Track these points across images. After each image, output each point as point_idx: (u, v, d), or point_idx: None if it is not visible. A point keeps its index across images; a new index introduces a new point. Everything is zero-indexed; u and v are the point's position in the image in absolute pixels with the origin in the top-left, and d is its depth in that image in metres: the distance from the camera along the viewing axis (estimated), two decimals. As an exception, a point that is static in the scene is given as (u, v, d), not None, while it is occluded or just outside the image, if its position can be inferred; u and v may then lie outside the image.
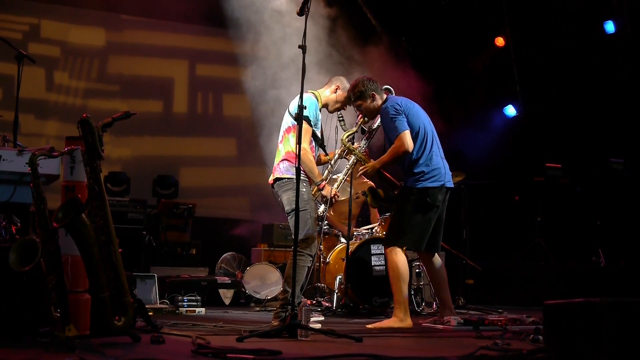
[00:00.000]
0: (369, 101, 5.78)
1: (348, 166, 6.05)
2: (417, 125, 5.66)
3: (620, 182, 9.71)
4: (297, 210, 4.82)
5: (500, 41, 10.72)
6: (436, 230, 5.77)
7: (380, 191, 6.06)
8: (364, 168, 5.82)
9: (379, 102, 5.80)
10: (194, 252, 8.92)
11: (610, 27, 9.92)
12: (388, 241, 5.71)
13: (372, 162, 5.79)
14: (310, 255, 5.45)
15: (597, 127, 9.88)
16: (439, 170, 5.69)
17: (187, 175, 10.40)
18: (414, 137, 5.60)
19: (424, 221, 5.66)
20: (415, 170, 5.64)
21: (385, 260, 6.85)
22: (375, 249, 7.09)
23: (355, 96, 5.78)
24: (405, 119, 5.59)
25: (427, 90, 9.25)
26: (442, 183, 5.68)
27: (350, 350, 3.71)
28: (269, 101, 8.61)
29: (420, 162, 5.65)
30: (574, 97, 10.02)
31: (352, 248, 7.00)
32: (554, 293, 7.53)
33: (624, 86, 9.70)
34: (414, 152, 5.60)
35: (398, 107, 5.63)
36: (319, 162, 5.95)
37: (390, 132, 5.62)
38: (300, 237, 5.29)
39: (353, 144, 5.94)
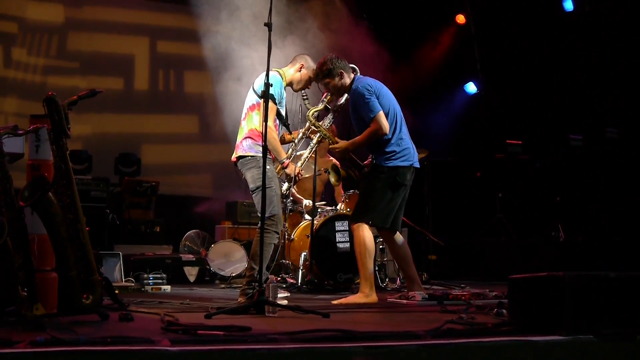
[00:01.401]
0: (336, 79, 5.78)
1: (312, 144, 6.06)
2: (387, 107, 5.67)
3: (578, 158, 9.89)
4: (263, 187, 4.84)
5: (461, 18, 10.79)
6: (399, 209, 5.82)
7: (342, 170, 6.07)
8: (334, 148, 5.82)
9: (347, 80, 5.80)
10: (157, 229, 8.88)
11: (569, 4, 10.05)
12: (355, 217, 5.74)
13: (344, 143, 5.78)
14: (277, 233, 5.45)
15: (556, 104, 10.02)
16: (409, 150, 5.74)
17: (149, 152, 10.32)
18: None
19: (392, 199, 5.70)
20: (387, 150, 5.66)
21: (350, 236, 6.95)
22: (339, 225, 7.13)
23: (323, 74, 5.77)
24: (377, 100, 5.62)
25: (387, 64, 9.26)
26: (411, 163, 5.73)
27: (318, 325, 3.74)
28: (231, 77, 8.54)
29: (392, 142, 5.67)
30: (534, 74, 10.13)
31: (316, 225, 7.03)
32: (515, 268, 7.63)
33: (582, 63, 9.82)
34: None
35: (370, 89, 5.63)
36: (283, 141, 5.93)
37: (364, 112, 5.62)
38: (266, 214, 5.29)
39: (319, 121, 5.94)
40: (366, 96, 5.60)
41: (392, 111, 5.72)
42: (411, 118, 6.00)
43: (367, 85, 5.67)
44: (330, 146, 5.89)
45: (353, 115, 5.80)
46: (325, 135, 5.87)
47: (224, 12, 8.30)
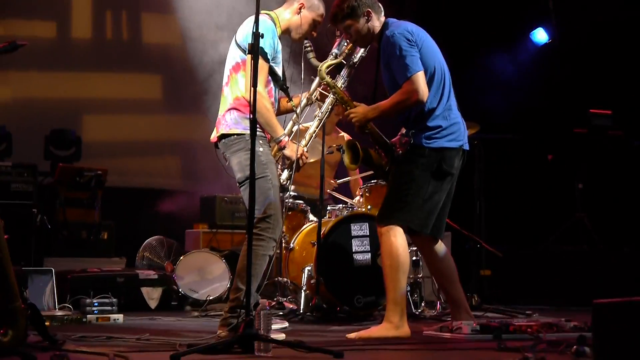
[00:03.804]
0: (362, 21, 5.76)
1: (322, 113, 6.02)
2: (432, 65, 5.67)
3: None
4: (252, 177, 4.84)
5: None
6: (443, 208, 5.81)
7: (360, 148, 6.00)
8: (349, 113, 5.79)
9: (376, 23, 5.79)
10: (105, 236, 8.91)
11: None
12: (384, 217, 5.73)
13: (363, 108, 5.77)
14: (274, 240, 5.45)
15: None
16: (459, 126, 5.74)
17: (92, 127, 10.35)
18: (428, 81, 5.60)
19: (435, 193, 5.69)
20: (430, 124, 5.65)
21: (372, 244, 6.98)
22: (356, 229, 7.17)
23: (344, 14, 5.76)
24: (419, 55, 5.60)
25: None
26: (461, 144, 5.73)
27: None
28: (207, 24, 8.56)
29: (437, 113, 5.66)
30: (629, 17, 10.08)
31: (325, 229, 7.05)
32: (602, 288, 7.67)
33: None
34: (428, 101, 5.61)
35: (411, 38, 5.60)
36: (279, 112, 5.95)
37: (398, 69, 5.59)
38: (259, 214, 5.31)
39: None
40: (404, 48, 5.58)
41: (440, 71, 5.71)
42: (453, 77, 5.96)
43: (406, 32, 5.64)
44: (346, 112, 5.85)
45: (385, 74, 5.80)
46: (341, 98, 5.85)
47: None
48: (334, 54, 5.96)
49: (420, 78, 5.55)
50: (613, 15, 10.14)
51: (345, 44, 5.94)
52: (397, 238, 5.64)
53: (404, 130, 5.87)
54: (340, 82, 5.99)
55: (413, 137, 5.74)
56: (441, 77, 5.73)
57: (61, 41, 10.54)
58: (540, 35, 10.91)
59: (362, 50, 5.98)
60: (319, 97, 6.03)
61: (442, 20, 10.30)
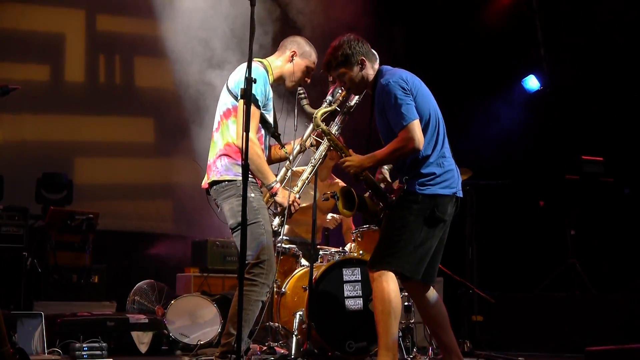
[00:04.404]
0: (355, 69, 5.76)
1: (315, 159, 6.04)
2: (426, 112, 5.66)
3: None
4: (244, 222, 4.83)
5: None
6: (435, 254, 5.81)
7: (356, 195, 6.01)
8: (345, 161, 5.79)
9: (370, 71, 5.80)
10: (96, 280, 8.88)
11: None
12: (376, 263, 5.70)
13: (358, 157, 5.78)
14: (267, 285, 5.45)
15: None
16: (452, 173, 5.73)
17: (84, 171, 10.37)
18: (423, 128, 5.59)
19: (427, 239, 5.68)
20: (424, 171, 5.65)
21: (364, 289, 6.97)
22: (348, 274, 7.16)
23: (338, 61, 5.75)
24: (414, 103, 5.63)
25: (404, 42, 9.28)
26: (454, 191, 5.73)
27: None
28: (200, 68, 8.59)
29: (431, 160, 5.66)
30: (622, 64, 10.12)
31: (317, 273, 7.04)
32: (595, 335, 7.67)
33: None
34: (422, 148, 5.60)
35: (406, 86, 5.60)
36: (271, 160, 5.96)
37: (394, 117, 5.59)
38: (252, 259, 5.31)
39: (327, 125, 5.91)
40: (399, 96, 5.57)
41: (435, 118, 5.71)
42: (448, 123, 5.97)
43: (401, 80, 5.63)
44: (341, 160, 5.85)
45: (380, 122, 5.78)
46: (337, 145, 5.85)
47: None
48: (327, 100, 5.94)
49: (416, 126, 5.55)
50: (605, 63, 10.21)
51: (340, 91, 5.93)
52: (389, 283, 5.60)
53: (384, 168, 5.91)
54: (334, 129, 6.00)
55: (407, 183, 5.76)
56: (435, 124, 5.72)
57: (54, 84, 10.58)
58: (532, 83, 10.96)
59: (357, 97, 6.01)
60: (314, 143, 6.04)
61: (435, 66, 10.35)
